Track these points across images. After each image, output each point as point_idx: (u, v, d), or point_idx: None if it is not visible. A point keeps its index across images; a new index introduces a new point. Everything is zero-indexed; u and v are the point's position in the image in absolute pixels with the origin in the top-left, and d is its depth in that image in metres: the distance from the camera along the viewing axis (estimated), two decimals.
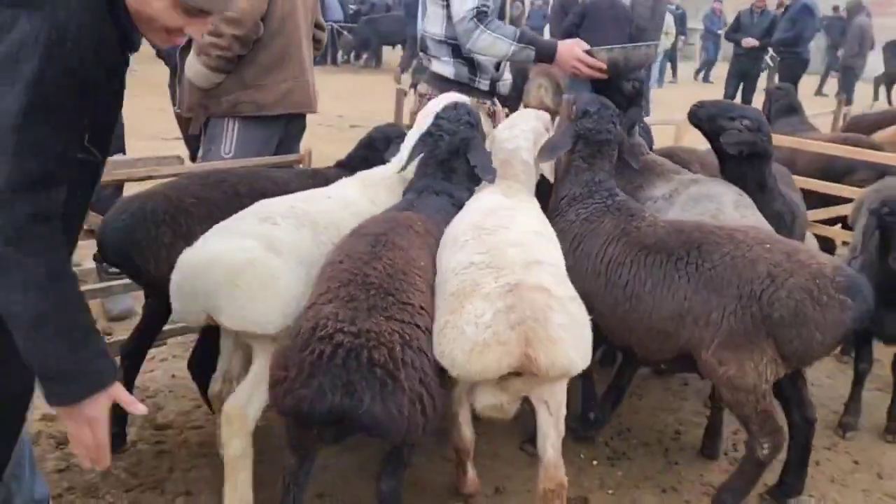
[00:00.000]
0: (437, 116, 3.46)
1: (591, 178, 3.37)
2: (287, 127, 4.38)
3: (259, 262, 2.51)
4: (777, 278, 2.72)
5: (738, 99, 12.44)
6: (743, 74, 12.45)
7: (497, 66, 4.18)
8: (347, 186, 3.42)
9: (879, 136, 6.31)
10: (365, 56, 20.76)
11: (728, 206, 3.48)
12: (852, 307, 2.69)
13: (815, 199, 5.27)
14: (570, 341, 2.34)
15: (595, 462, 3.56)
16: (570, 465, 2.76)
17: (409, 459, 2.60)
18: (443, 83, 4.06)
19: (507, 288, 2.35)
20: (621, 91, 3.93)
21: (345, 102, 13.44)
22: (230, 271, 2.47)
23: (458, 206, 3.18)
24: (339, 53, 20.76)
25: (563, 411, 2.56)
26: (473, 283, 2.43)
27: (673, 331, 2.91)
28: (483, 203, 3.09)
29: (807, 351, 2.75)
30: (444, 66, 4.08)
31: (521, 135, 3.56)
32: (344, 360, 2.10)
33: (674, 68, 21.11)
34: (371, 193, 3.39)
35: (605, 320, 3.08)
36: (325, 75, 18.88)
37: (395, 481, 2.53)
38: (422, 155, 3.38)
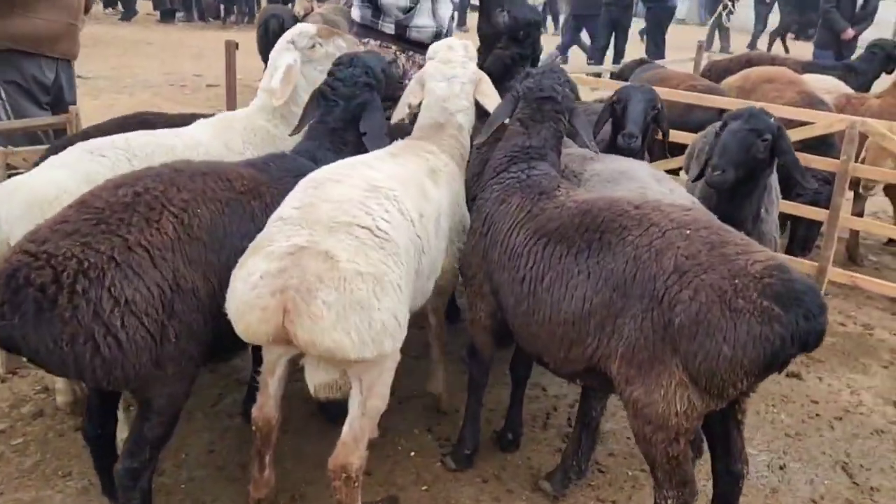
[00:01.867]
0: (333, 76, 3.21)
1: (523, 143, 2.95)
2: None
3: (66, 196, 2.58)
4: (685, 274, 2.21)
5: (610, 49, 12.39)
6: (614, 23, 12.34)
7: (406, 10, 4.11)
8: (201, 126, 3.36)
9: (728, 82, 6.23)
10: (234, 14, 19.34)
11: (650, 181, 3.07)
12: (782, 320, 2.10)
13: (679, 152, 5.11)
14: (336, 321, 2.13)
15: (413, 454, 3.22)
16: (384, 459, 2.44)
17: (150, 435, 2.41)
18: (357, 28, 4.26)
19: (290, 249, 2.21)
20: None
21: (203, 62, 12.43)
22: (31, 201, 2.70)
23: None
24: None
25: (378, 393, 2.40)
26: (268, 237, 2.31)
27: (576, 338, 2.49)
28: (352, 159, 2.87)
29: (712, 371, 2.15)
30: (355, 10, 4.32)
31: (461, 92, 3.30)
32: (6, 278, 2.09)
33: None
34: (225, 137, 3.32)
35: (510, 321, 2.76)
36: (189, 31, 17.53)
37: (130, 462, 2.40)
38: (313, 119, 3.18)
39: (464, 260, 3.04)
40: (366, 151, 3.07)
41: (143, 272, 2.26)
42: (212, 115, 3.57)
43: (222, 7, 19.31)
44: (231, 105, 6.08)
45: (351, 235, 2.28)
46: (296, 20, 9.35)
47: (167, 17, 18.65)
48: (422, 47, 4.05)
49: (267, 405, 2.52)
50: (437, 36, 4.25)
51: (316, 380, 2.37)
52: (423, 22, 4.20)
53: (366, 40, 4.24)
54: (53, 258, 2.12)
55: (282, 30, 4.19)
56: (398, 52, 4.21)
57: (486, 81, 3.39)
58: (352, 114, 3.17)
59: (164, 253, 2.32)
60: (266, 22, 8.48)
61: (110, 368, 2.21)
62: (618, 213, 2.50)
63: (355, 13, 4.26)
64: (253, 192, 2.68)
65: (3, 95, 4.15)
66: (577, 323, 2.48)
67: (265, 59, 5.05)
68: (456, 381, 3.59)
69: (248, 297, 2.19)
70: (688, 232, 2.34)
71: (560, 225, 2.60)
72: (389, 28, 4.17)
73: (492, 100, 3.31)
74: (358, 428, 2.38)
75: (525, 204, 2.76)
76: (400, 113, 3.47)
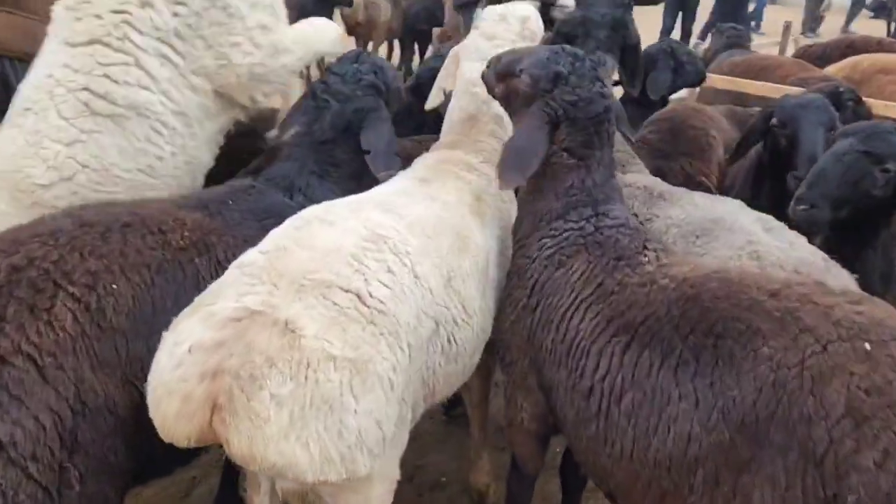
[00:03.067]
0: (331, 72, 2.51)
1: (582, 181, 2.04)
2: None
3: None
4: (867, 423, 1.38)
5: (677, 28, 11.32)
6: (682, 4, 11.20)
7: None
8: None
9: (831, 69, 5.17)
10: None
11: (759, 233, 2.21)
12: None
13: None
14: (289, 426, 1.49)
15: None
16: None
17: None
18: None
19: (237, 314, 1.57)
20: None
21: None
22: None
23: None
24: None
25: None
26: (214, 292, 1.68)
27: (672, 490, 1.65)
28: (366, 194, 2.15)
29: None
30: None
31: None
32: None
33: None
34: None
35: (570, 440, 1.94)
36: None
37: None
38: (295, 128, 2.43)
39: (499, 335, 2.18)
40: (367, 177, 2.32)
41: (27, 395, 1.54)
42: None
43: None
44: None
45: (327, 300, 1.62)
46: None
47: None
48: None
49: None
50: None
51: (282, 484, 1.74)
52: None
53: None
54: None
55: None
56: None
57: None
58: (346, 121, 2.41)
59: (60, 360, 1.60)
60: None
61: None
62: (744, 307, 1.61)
63: None
64: (197, 246, 1.95)
65: None
66: (676, 470, 1.62)
67: None
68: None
69: (168, 378, 1.53)
70: (867, 346, 1.45)
71: (649, 316, 1.73)
72: None
73: None
74: None
75: (594, 273, 1.88)
76: (434, 100, 2.81)
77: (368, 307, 1.66)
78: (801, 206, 2.41)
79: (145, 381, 1.62)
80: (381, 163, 2.38)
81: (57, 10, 2.33)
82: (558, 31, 3.34)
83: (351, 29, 9.18)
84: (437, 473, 2.90)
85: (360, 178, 2.41)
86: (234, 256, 1.84)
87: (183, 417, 1.51)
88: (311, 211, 1.95)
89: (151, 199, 2.25)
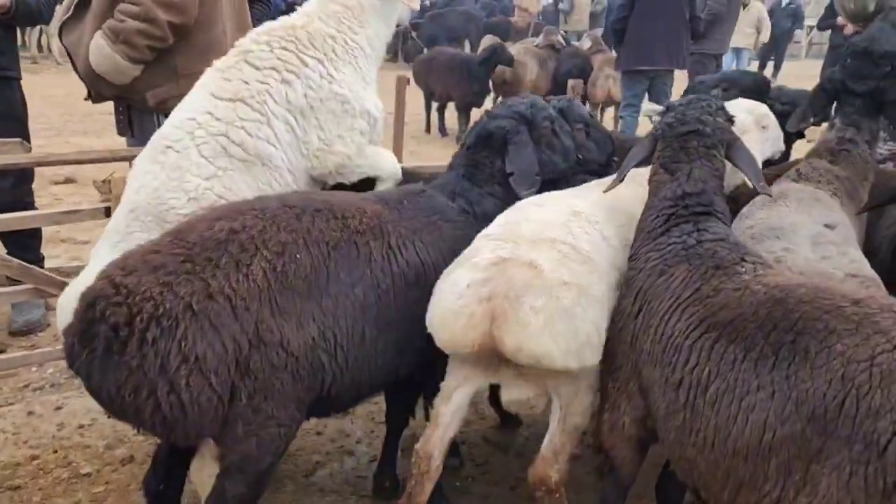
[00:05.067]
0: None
1: (675, 192, 2.34)
2: None
3: None
4: None
5: None
6: None
7: None
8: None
9: None
10: None
11: (803, 245, 2.39)
12: None
13: None
14: (544, 328, 2.10)
15: None
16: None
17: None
18: None
19: (495, 260, 2.24)
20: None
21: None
22: None
23: (464, 219, 2.74)
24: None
25: (577, 411, 2.33)
26: (473, 251, 2.35)
27: (748, 479, 1.79)
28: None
29: None
30: None
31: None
32: (85, 306, 1.96)
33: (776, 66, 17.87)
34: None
35: (660, 434, 2.11)
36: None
37: None
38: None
39: (608, 346, 2.38)
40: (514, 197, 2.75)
41: (221, 325, 2.01)
42: None
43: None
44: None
45: (554, 249, 2.27)
46: None
47: None
48: None
49: (433, 438, 2.38)
50: None
51: (510, 396, 2.37)
52: None
53: None
54: (132, 296, 1.94)
55: None
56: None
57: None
58: (489, 132, 2.84)
59: (248, 303, 2.06)
60: None
61: (171, 427, 2.01)
62: (825, 310, 1.77)
63: None
64: (373, 232, 2.40)
65: None
66: (752, 459, 1.77)
67: None
68: None
69: (454, 306, 2.19)
70: None
71: (738, 316, 1.91)
72: None
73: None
74: (558, 443, 2.32)
75: (693, 279, 2.09)
76: None
77: (581, 254, 2.28)
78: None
79: (316, 329, 2.17)
80: (521, 182, 2.77)
81: (209, 70, 2.85)
82: None
83: (497, 87, 9.78)
84: None
85: (508, 187, 2.80)
86: (403, 244, 2.44)
87: (470, 329, 2.14)
88: (525, 201, 2.65)
89: (342, 192, 2.75)
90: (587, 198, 2.66)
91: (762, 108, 3.15)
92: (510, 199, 2.76)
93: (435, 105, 10.28)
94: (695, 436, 1.92)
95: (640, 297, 2.23)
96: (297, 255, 2.18)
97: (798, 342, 1.75)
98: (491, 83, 9.77)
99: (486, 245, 2.33)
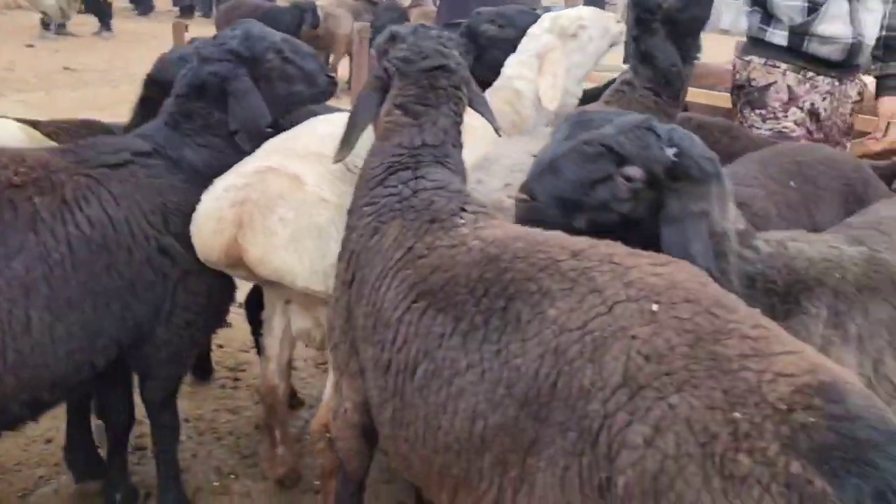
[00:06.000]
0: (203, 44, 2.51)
1: (412, 141, 1.88)
2: None
3: None
4: (641, 393, 1.19)
5: None
6: None
7: (808, 12, 3.16)
8: None
9: None
10: None
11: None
12: (830, 495, 1.03)
13: None
14: (290, 242, 2.03)
15: None
16: None
17: None
18: (745, 44, 3.58)
19: (261, 168, 2.16)
20: None
21: None
22: None
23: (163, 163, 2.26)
24: None
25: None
26: (243, 162, 2.25)
27: (463, 477, 1.45)
28: None
29: None
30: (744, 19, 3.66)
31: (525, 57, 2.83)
32: None
33: None
34: None
35: (378, 428, 1.76)
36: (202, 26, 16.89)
37: None
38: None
39: (327, 322, 1.99)
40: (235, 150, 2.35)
41: None
42: None
43: None
44: None
45: (321, 165, 2.15)
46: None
47: (186, 12, 18.03)
48: (826, 66, 3.20)
49: (269, 372, 2.43)
50: (853, 51, 3.19)
51: (296, 325, 2.37)
52: (831, 31, 3.14)
53: (748, 58, 3.35)
54: None
55: None
56: (787, 72, 3.23)
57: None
58: (202, 81, 2.31)
59: None
60: None
61: None
62: (540, 266, 1.42)
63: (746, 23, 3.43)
64: (36, 185, 1.93)
65: None
66: (465, 454, 1.42)
67: None
68: None
69: (207, 209, 2.11)
70: (654, 307, 1.27)
71: (450, 279, 1.52)
72: (780, 39, 3.22)
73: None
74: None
75: (405, 237, 1.69)
76: None
77: (352, 174, 2.09)
78: (521, 196, 1.74)
79: None
80: (246, 139, 2.33)
81: None
82: None
83: (310, 41, 9.11)
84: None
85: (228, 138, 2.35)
86: (85, 196, 2.01)
87: (217, 234, 2.06)
88: (320, 117, 2.50)
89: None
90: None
91: (564, 16, 2.86)
92: (238, 149, 2.31)
93: None
94: (405, 429, 1.55)
95: (353, 262, 1.80)
96: None
97: (510, 309, 1.40)
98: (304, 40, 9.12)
99: (259, 155, 2.24)
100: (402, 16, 9.63)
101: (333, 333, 1.91)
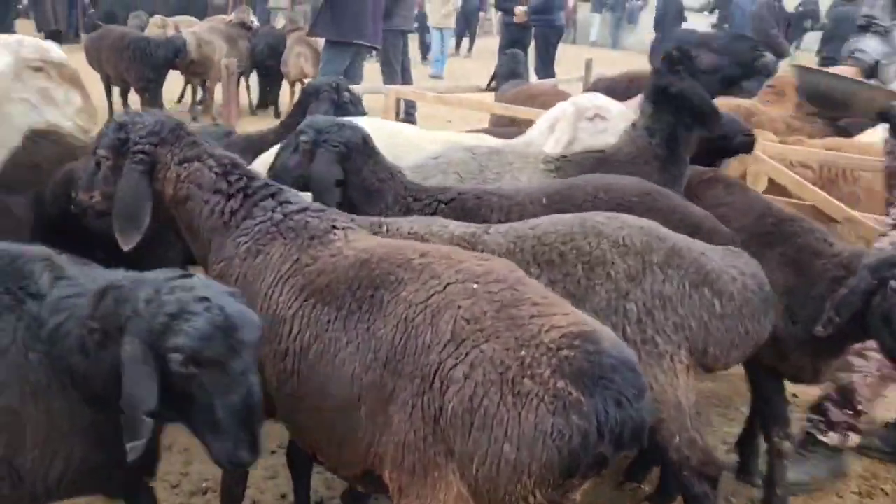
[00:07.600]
0: None
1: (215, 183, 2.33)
2: None
3: None
4: (463, 344, 1.69)
5: None
6: (514, 43, 11.98)
7: None
8: None
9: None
10: None
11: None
12: (582, 407, 1.59)
13: None
14: None
15: None
16: None
17: None
18: None
19: None
20: None
21: None
22: None
23: None
24: None
25: None
26: None
27: (347, 432, 1.91)
28: None
29: (492, 480, 1.62)
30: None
31: None
32: None
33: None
34: None
35: (278, 411, 2.15)
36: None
37: None
38: None
39: None
40: None
41: None
42: None
43: None
44: None
45: None
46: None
47: (53, 38, 17.26)
48: None
49: None
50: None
51: None
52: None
53: None
54: None
55: None
56: None
57: None
58: None
59: None
60: None
61: None
62: (398, 264, 1.94)
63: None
64: None
65: None
66: (348, 411, 1.89)
67: None
68: None
69: None
70: (475, 286, 1.80)
71: (333, 280, 2.02)
72: None
73: None
74: None
75: (291, 252, 2.15)
76: None
77: None
78: None
79: None
80: None
81: None
82: None
83: (185, 68, 9.19)
84: (200, 481, 3.00)
85: None
86: None
87: None
88: None
89: None
90: None
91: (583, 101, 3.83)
92: None
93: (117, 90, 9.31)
94: (301, 401, 2.01)
95: (241, 284, 2.16)
96: None
97: (376, 296, 1.91)
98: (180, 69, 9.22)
99: None
100: (280, 41, 9.89)
101: None
